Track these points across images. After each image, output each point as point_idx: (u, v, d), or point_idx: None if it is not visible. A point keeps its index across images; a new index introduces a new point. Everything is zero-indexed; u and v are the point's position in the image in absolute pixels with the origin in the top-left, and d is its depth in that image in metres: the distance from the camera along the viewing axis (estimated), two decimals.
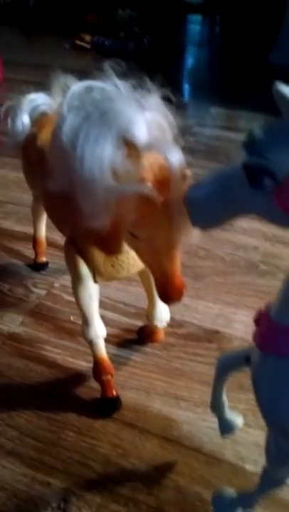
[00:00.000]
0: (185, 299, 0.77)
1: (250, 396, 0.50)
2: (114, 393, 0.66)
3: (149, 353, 0.75)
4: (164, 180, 0.43)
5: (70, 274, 0.61)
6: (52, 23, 3.32)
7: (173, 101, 0.50)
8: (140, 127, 0.44)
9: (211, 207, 0.34)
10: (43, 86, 0.75)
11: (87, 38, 2.76)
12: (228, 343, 0.77)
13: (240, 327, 0.80)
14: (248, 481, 0.56)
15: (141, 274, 0.65)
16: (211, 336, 0.79)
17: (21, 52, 2.66)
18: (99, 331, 0.63)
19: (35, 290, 0.88)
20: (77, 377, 0.71)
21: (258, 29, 3.06)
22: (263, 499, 0.50)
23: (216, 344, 0.77)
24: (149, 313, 0.71)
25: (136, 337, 0.77)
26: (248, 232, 1.06)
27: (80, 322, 0.65)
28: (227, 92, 2.13)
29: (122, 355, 0.74)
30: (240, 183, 0.31)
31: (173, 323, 0.77)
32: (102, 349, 0.65)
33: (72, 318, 0.81)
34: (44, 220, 0.90)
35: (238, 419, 0.52)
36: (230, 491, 0.52)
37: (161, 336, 0.75)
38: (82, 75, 0.54)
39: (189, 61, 3.00)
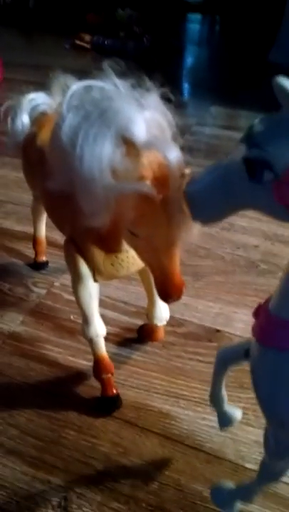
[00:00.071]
0: (185, 298, 0.77)
1: (251, 395, 0.50)
2: (115, 392, 0.66)
3: (149, 352, 0.75)
4: (163, 179, 0.43)
5: (70, 273, 0.62)
6: (52, 23, 3.32)
7: (172, 100, 0.50)
8: (139, 126, 0.44)
9: (211, 200, 0.34)
10: (43, 86, 0.76)
11: (87, 37, 2.76)
12: (228, 342, 0.77)
13: (240, 326, 0.80)
14: (248, 480, 0.56)
15: (141, 272, 0.66)
16: (211, 334, 0.79)
17: (21, 53, 2.66)
18: (99, 329, 0.64)
19: (36, 289, 0.89)
20: (78, 376, 0.71)
21: (257, 28, 3.06)
22: (261, 492, 0.50)
23: (216, 343, 0.77)
24: (148, 312, 0.71)
25: (136, 336, 0.77)
26: (248, 232, 1.06)
27: (80, 321, 0.65)
28: (227, 91, 2.13)
29: (122, 354, 0.74)
30: (240, 177, 0.31)
31: (173, 322, 0.78)
32: (103, 348, 0.65)
33: (72, 317, 0.81)
34: (44, 219, 0.90)
35: (237, 413, 0.52)
36: (228, 484, 0.52)
37: (161, 334, 0.75)
38: (82, 74, 0.54)
39: (189, 60, 3.00)
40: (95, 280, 0.61)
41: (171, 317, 0.74)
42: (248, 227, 1.07)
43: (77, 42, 2.76)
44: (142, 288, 0.71)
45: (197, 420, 0.64)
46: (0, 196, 1.19)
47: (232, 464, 0.59)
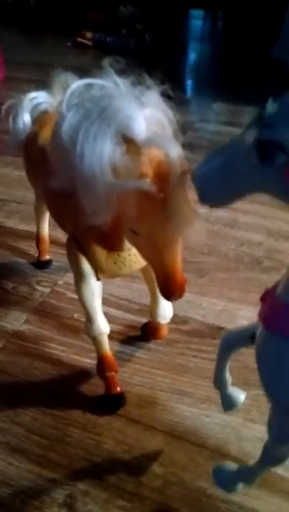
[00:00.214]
0: (189, 295, 0.77)
1: (255, 392, 0.50)
2: (119, 390, 0.66)
3: (153, 350, 0.75)
4: (164, 176, 0.43)
5: (73, 272, 0.62)
6: (53, 21, 3.31)
7: (172, 97, 0.50)
8: (139, 124, 0.44)
9: (219, 181, 0.33)
10: (44, 84, 0.76)
11: (89, 35, 2.75)
12: None
13: (244, 323, 0.79)
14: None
15: (143, 271, 0.66)
16: (215, 332, 0.79)
17: (22, 51, 2.66)
18: (102, 327, 0.64)
19: (39, 288, 0.89)
20: (82, 374, 0.71)
21: (260, 24, 3.05)
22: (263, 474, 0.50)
23: (220, 340, 0.77)
24: (152, 310, 0.72)
25: (140, 333, 0.77)
26: (251, 228, 1.06)
27: (84, 319, 0.65)
28: (230, 87, 2.12)
29: (126, 352, 0.74)
30: (249, 159, 0.30)
31: (177, 319, 0.78)
32: (106, 346, 0.65)
33: (76, 315, 0.81)
34: (47, 218, 0.90)
35: (240, 395, 0.52)
36: (231, 464, 0.52)
37: (164, 332, 0.75)
38: (83, 72, 0.54)
39: (192, 56, 2.99)
40: (98, 278, 0.61)
41: (175, 314, 0.73)
42: (252, 224, 1.07)
43: (79, 40, 2.76)
44: (146, 286, 0.71)
45: (201, 417, 0.64)
46: (3, 195, 1.20)
47: (236, 461, 0.59)
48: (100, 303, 0.63)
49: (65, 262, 0.63)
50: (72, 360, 0.73)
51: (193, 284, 0.88)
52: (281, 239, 1.03)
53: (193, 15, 4.06)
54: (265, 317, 0.38)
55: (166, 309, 0.71)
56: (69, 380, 0.70)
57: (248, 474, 0.50)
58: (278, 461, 0.47)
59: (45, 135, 0.65)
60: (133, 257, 0.58)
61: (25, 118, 0.75)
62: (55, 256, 0.94)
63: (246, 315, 0.81)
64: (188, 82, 2.40)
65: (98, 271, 0.60)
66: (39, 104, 0.76)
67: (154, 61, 2.30)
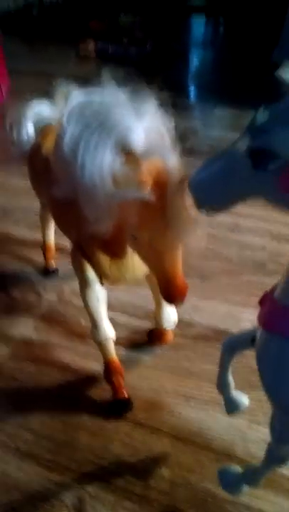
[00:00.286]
0: (193, 300, 0.78)
1: (259, 393, 0.51)
2: (125, 394, 0.67)
3: (158, 354, 0.76)
4: (163, 184, 0.44)
5: (78, 279, 0.63)
6: (55, 31, 3.34)
7: (175, 104, 0.51)
8: (138, 135, 0.45)
9: (214, 188, 0.34)
10: (47, 94, 0.77)
11: (91, 45, 2.78)
12: None
13: (248, 326, 0.80)
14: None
15: (147, 277, 0.66)
16: (220, 335, 0.79)
17: (25, 60, 2.68)
18: (108, 332, 0.65)
19: (46, 295, 0.90)
20: (89, 380, 0.72)
21: (262, 29, 3.06)
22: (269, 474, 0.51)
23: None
24: (156, 315, 0.73)
25: (145, 338, 0.78)
26: (254, 232, 1.06)
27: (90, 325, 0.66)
28: (232, 92, 2.13)
29: (132, 357, 0.75)
30: (244, 166, 0.31)
31: (181, 323, 0.78)
32: (112, 351, 0.66)
33: (82, 321, 0.82)
34: (52, 226, 0.92)
35: (244, 399, 0.53)
36: (235, 467, 0.53)
37: (170, 337, 0.76)
38: (86, 82, 0.55)
39: (193, 62, 3.00)
40: (102, 284, 0.62)
41: (180, 319, 0.74)
42: (255, 228, 1.07)
43: (82, 48, 2.79)
44: (150, 292, 0.72)
45: (207, 420, 0.65)
46: (9, 204, 1.21)
47: (241, 462, 0.60)
48: (105, 308, 0.65)
49: (71, 269, 0.65)
50: (80, 365, 0.74)
51: (197, 288, 0.88)
52: (284, 242, 1.03)
53: (195, 21, 4.08)
54: (264, 319, 0.39)
55: (170, 315, 0.72)
56: (76, 386, 0.71)
57: (253, 475, 0.51)
58: (282, 460, 0.48)
59: (48, 145, 0.66)
60: (136, 263, 0.59)
61: (29, 129, 0.77)
62: (62, 264, 0.95)
63: (250, 318, 0.82)
64: (191, 88, 2.41)
65: (102, 277, 0.61)
66: (42, 114, 0.77)
67: (155, 69, 2.32)
